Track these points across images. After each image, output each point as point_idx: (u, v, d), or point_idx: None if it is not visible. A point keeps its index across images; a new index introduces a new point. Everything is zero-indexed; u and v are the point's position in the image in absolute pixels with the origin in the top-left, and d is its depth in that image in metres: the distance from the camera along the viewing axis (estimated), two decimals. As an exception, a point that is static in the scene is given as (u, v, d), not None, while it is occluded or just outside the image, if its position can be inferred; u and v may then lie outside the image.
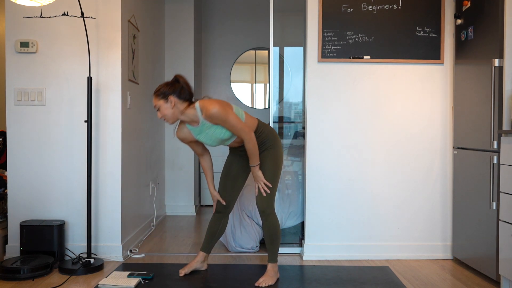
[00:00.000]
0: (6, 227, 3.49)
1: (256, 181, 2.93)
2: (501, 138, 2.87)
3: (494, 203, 2.94)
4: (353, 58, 3.54)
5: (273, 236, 2.98)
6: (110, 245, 3.45)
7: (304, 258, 3.55)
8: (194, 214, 5.40)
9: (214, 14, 6.20)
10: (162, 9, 5.23)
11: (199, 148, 3.07)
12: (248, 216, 3.79)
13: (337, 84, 3.57)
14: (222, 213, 3.14)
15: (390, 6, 3.53)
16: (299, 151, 4.05)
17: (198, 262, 3.18)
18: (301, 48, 3.97)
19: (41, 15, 3.25)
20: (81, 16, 3.18)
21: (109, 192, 3.45)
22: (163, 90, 2.80)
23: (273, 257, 3.01)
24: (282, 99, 4.31)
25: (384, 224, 3.60)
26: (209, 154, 3.13)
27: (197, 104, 2.80)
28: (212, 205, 5.21)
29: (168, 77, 4.82)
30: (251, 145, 2.83)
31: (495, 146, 2.95)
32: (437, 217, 3.61)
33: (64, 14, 3.27)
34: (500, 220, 2.87)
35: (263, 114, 5.90)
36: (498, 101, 2.94)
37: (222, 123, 2.78)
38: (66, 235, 3.40)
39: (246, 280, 3.03)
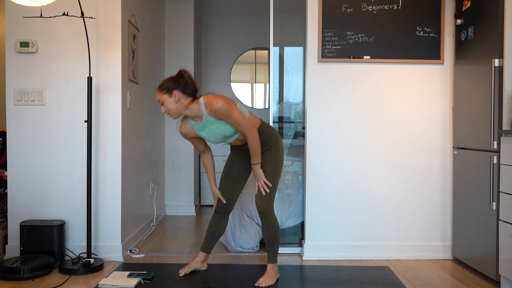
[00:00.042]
0: (6, 227, 3.49)
1: (257, 179, 2.92)
2: (501, 138, 2.87)
3: (494, 203, 2.94)
4: (353, 58, 3.54)
5: (272, 237, 2.97)
6: (110, 245, 3.45)
7: (304, 258, 3.55)
8: (194, 214, 5.40)
9: (214, 14, 6.20)
10: (162, 9, 5.23)
11: (201, 145, 3.07)
12: (248, 216, 3.79)
13: (337, 84, 3.57)
14: (222, 213, 3.13)
15: (390, 6, 3.53)
16: (299, 151, 4.05)
17: (198, 262, 3.18)
18: (301, 48, 3.97)
19: (41, 15, 3.25)
20: (81, 16, 3.19)
21: (109, 192, 3.45)
22: (167, 84, 2.80)
23: (272, 257, 3.01)
24: (282, 99, 4.31)
25: (384, 224, 3.60)
26: (210, 151, 3.12)
27: (201, 99, 2.80)
28: (212, 205, 5.21)
29: (168, 77, 4.82)
30: (254, 143, 2.83)
31: (495, 146, 2.94)
32: (437, 217, 3.61)
33: (64, 14, 3.27)
34: (500, 220, 2.87)
35: (263, 114, 5.90)
36: (498, 101, 2.94)
37: (226, 119, 2.77)
38: (66, 235, 3.40)
39: (246, 280, 3.03)
